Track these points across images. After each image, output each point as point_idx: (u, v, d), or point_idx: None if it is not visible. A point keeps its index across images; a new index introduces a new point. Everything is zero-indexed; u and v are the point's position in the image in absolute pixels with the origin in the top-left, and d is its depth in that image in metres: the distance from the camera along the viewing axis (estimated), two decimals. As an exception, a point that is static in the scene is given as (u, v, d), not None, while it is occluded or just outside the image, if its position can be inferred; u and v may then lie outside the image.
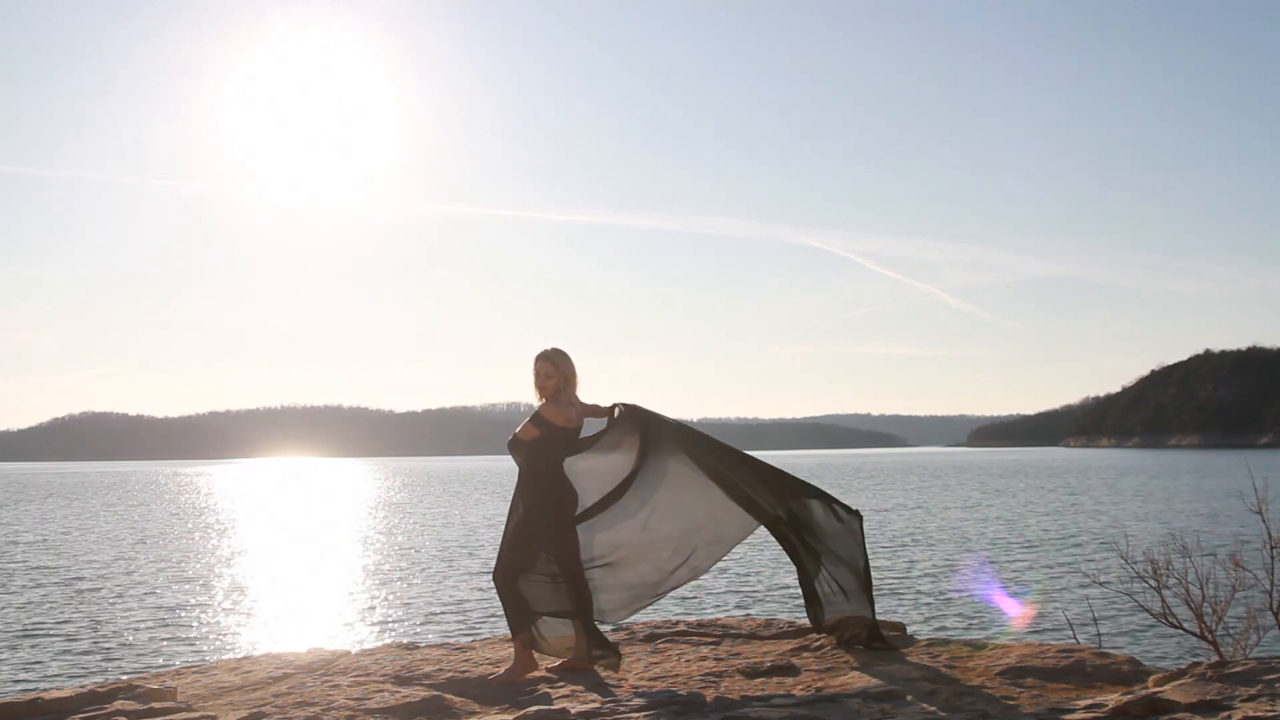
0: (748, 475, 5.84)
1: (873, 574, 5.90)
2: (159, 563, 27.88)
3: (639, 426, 5.75)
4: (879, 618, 5.87)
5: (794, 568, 6.07)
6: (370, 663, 5.80)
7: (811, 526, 5.84)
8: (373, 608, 19.63)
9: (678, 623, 6.81)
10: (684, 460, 5.76)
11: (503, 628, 6.24)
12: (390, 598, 20.77)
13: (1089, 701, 4.51)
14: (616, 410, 5.82)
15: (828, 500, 5.87)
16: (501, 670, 5.56)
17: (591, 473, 5.70)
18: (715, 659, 5.76)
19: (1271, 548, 6.94)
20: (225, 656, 12.15)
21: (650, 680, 5.37)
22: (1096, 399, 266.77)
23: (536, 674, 5.54)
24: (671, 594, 6.07)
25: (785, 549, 6.01)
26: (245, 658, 6.16)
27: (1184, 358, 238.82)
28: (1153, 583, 6.99)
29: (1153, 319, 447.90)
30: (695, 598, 18.26)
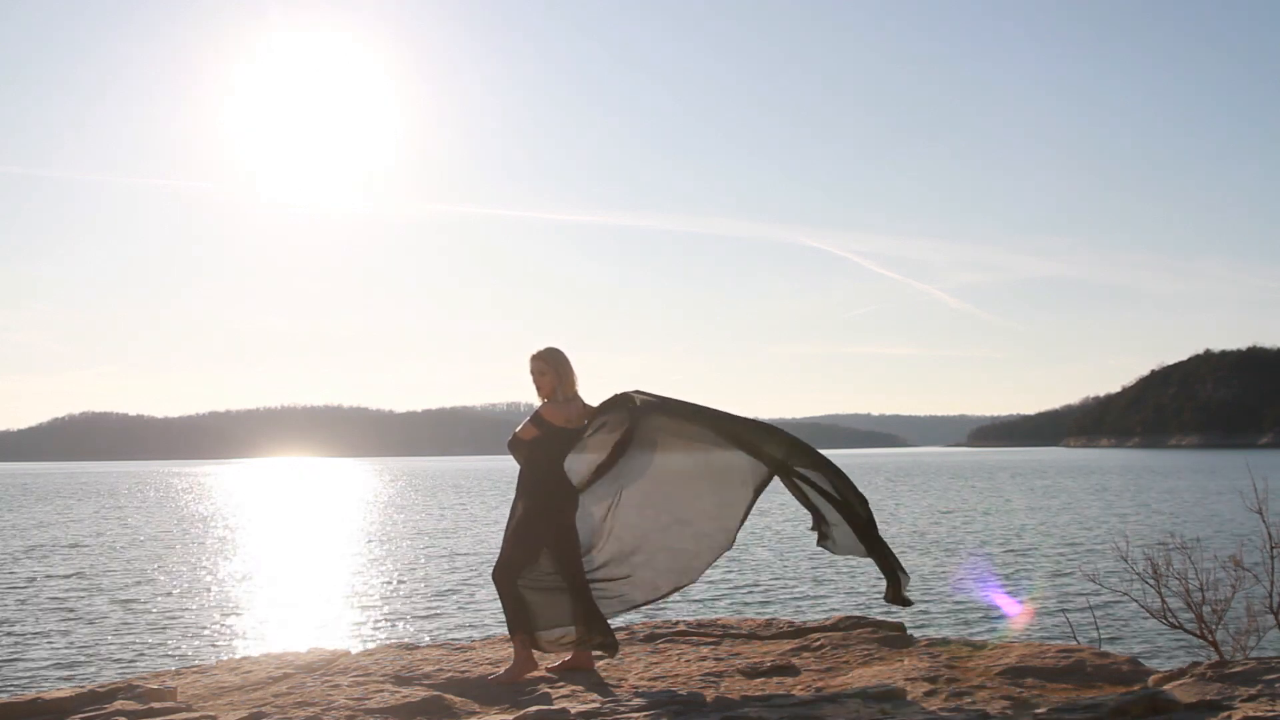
0: (746, 429, 5.56)
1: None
2: (159, 563, 27.88)
3: (627, 416, 5.59)
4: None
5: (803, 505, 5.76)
6: (370, 663, 5.79)
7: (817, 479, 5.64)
8: (373, 608, 19.62)
9: (678, 623, 6.81)
10: (668, 444, 5.57)
11: (502, 628, 6.23)
12: (390, 598, 20.77)
13: (1089, 701, 4.51)
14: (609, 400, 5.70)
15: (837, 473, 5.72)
16: (501, 670, 5.55)
17: (587, 468, 5.64)
18: (715, 659, 5.76)
19: (1271, 548, 6.96)
20: (225, 656, 12.14)
21: (650, 680, 5.37)
22: (1096, 399, 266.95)
23: (536, 674, 5.53)
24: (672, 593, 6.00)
25: (792, 490, 5.67)
26: (245, 658, 6.15)
27: (1184, 358, 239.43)
28: (1152, 583, 7.00)
29: (1153, 319, 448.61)
30: (695, 598, 18.24)
